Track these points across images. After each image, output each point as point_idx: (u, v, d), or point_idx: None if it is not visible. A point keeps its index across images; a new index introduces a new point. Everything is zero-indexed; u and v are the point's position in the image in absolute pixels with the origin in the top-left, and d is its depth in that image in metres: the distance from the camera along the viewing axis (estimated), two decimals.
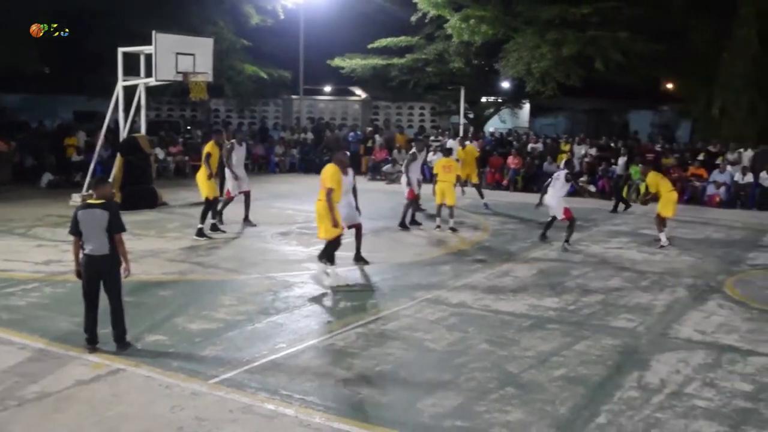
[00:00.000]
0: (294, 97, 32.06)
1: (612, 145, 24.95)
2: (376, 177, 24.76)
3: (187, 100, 26.69)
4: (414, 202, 15.14)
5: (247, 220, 14.68)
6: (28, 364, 6.90)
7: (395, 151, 24.86)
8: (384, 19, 28.94)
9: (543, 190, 13.60)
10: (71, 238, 7.26)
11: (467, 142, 19.51)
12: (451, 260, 12.10)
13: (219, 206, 14.35)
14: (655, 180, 13.74)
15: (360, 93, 34.26)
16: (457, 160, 16.87)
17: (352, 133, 28.69)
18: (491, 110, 32.00)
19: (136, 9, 22.60)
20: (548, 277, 10.99)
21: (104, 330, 7.30)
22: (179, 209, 16.89)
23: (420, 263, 11.79)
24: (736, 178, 20.16)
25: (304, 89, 31.11)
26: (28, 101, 30.20)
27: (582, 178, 21.40)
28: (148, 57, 16.30)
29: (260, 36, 28.31)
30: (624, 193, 19.07)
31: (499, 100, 31.93)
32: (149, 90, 18.36)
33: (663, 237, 13.51)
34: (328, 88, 35.11)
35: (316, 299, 9.55)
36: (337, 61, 29.07)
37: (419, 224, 15.17)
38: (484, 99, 31.47)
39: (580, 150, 23.74)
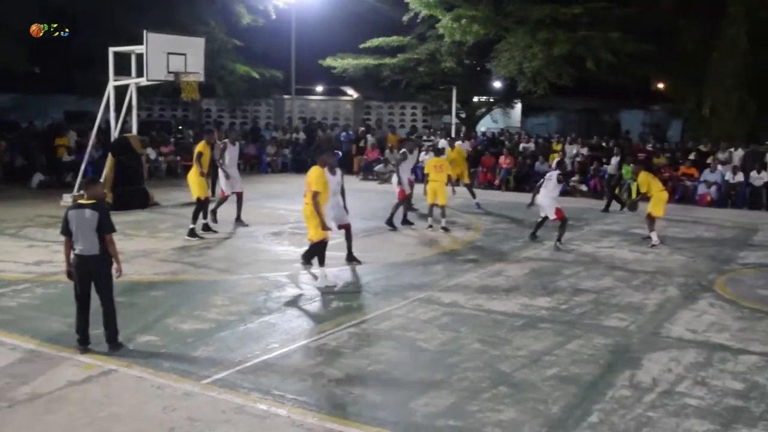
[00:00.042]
0: (286, 96, 32.03)
1: (603, 144, 25.04)
2: (368, 177, 24.77)
3: (178, 100, 26.67)
4: (405, 201, 15.15)
5: (239, 221, 14.67)
6: (19, 365, 6.87)
7: (387, 151, 24.84)
8: (376, 19, 28.96)
9: (535, 190, 13.63)
10: (62, 238, 7.25)
11: (457, 143, 19.54)
12: (443, 260, 12.11)
13: (213, 206, 14.36)
14: (646, 180, 13.81)
15: (352, 93, 34.26)
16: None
17: (344, 133, 28.69)
18: (483, 110, 32.07)
19: (127, 9, 22.56)
20: (540, 276, 11.01)
21: (96, 331, 7.28)
22: (171, 209, 16.84)
23: (412, 263, 11.79)
24: (726, 178, 20.24)
25: (296, 89, 31.08)
26: (19, 101, 30.07)
27: (573, 178, 21.48)
28: (140, 57, 16.25)
29: (252, 36, 28.28)
30: (617, 193, 19.13)
31: (491, 100, 32.02)
32: (140, 90, 18.30)
33: (654, 236, 13.56)
34: (319, 88, 35.11)
35: (309, 299, 9.55)
36: (329, 61, 29.07)
37: (411, 224, 15.18)
38: (475, 99, 31.53)
39: (572, 150, 23.81)
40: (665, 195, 14.06)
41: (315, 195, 9.77)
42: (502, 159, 23.39)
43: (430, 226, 14.77)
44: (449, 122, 27.28)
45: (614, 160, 20.18)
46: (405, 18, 26.92)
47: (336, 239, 11.21)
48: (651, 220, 13.66)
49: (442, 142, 20.83)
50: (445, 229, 14.65)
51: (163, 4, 23.55)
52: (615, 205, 18.26)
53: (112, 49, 16.73)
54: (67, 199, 16.53)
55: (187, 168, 15.99)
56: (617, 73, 25.46)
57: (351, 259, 11.48)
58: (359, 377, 6.75)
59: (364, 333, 8.10)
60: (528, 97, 28.23)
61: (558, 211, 13.19)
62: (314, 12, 29.22)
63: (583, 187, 21.60)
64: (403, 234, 14.42)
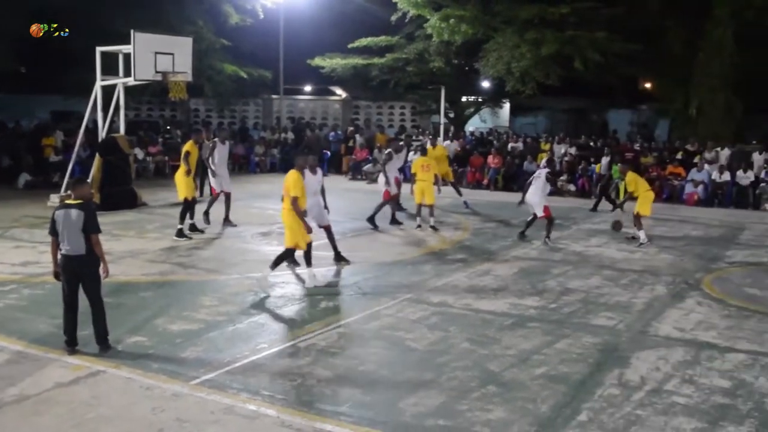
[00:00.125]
0: (274, 96, 31.97)
1: (591, 144, 25.14)
2: (357, 177, 24.77)
3: (166, 100, 26.54)
4: (391, 202, 15.13)
5: (227, 221, 14.63)
6: (6, 367, 6.82)
7: (376, 151, 24.83)
8: (364, 19, 28.93)
9: (525, 188, 13.72)
10: (49, 239, 7.21)
11: (439, 141, 19.61)
12: (432, 260, 12.12)
13: (206, 207, 14.36)
14: (633, 179, 13.91)
15: (340, 92, 34.23)
16: None
17: (332, 133, 28.68)
18: (471, 110, 32.12)
19: (115, 8, 22.42)
20: (529, 275, 11.04)
21: (84, 332, 7.25)
22: (159, 210, 16.78)
23: (401, 263, 11.80)
24: (713, 177, 20.37)
25: (285, 89, 31.02)
26: (4, 101, 29.79)
27: (562, 177, 21.56)
28: (127, 56, 16.18)
29: (240, 35, 28.19)
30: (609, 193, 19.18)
31: (480, 100, 32.06)
32: (128, 89, 18.24)
33: (642, 235, 13.64)
34: (308, 88, 35.05)
35: (297, 299, 9.54)
36: (318, 61, 29.03)
37: (400, 224, 15.18)
38: (464, 98, 31.57)
39: (560, 149, 23.89)
40: (652, 195, 14.16)
41: (294, 200, 9.73)
42: (490, 159, 23.43)
43: (419, 226, 14.79)
44: (438, 122, 27.30)
45: (604, 160, 20.26)
46: (393, 18, 26.92)
47: (321, 240, 11.22)
48: (638, 219, 13.73)
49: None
50: (434, 229, 14.67)
51: (150, 4, 23.44)
52: (604, 205, 18.28)
53: (99, 49, 16.65)
54: (54, 199, 16.44)
55: (175, 168, 15.95)
56: (605, 72, 25.58)
57: (339, 258, 11.47)
58: (348, 377, 6.75)
59: (354, 333, 8.11)
60: (516, 96, 28.30)
61: (546, 209, 13.30)
62: (302, 12, 29.16)
63: (571, 187, 21.68)
64: (391, 234, 14.43)
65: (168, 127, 29.56)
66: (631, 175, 13.99)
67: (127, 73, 16.35)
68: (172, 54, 16.33)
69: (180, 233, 13.21)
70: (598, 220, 16.70)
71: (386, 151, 15.70)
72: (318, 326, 8.26)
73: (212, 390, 6.32)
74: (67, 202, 7.20)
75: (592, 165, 21.75)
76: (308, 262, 10.12)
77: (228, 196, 14.65)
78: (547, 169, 13.66)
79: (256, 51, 29.38)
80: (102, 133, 17.25)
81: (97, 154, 17.01)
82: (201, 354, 7.27)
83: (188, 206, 13.47)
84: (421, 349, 7.57)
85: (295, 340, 7.76)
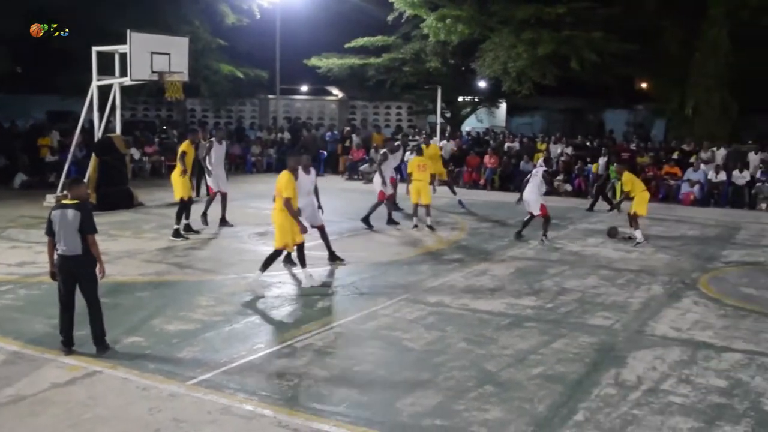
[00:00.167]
0: (270, 96, 31.96)
1: (588, 144, 25.16)
2: (354, 177, 24.76)
3: (162, 100, 26.54)
4: (387, 202, 15.12)
5: (224, 221, 14.61)
6: (3, 368, 6.81)
7: (372, 151, 24.83)
8: (360, 19, 28.96)
9: (522, 186, 13.77)
10: (45, 239, 7.20)
11: (432, 140, 19.62)
12: (428, 259, 12.13)
13: (204, 208, 14.35)
14: (630, 179, 13.95)
15: (337, 92, 34.23)
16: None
17: (329, 133, 28.68)
18: (468, 110, 32.15)
19: (111, 8, 22.40)
20: (525, 275, 11.04)
21: (80, 332, 7.24)
22: (155, 210, 16.76)
23: (398, 263, 11.80)
24: (709, 177, 20.40)
25: (281, 89, 31.02)
26: (0, 101, 29.80)
27: (558, 177, 21.59)
28: (123, 56, 16.14)
29: (236, 35, 28.19)
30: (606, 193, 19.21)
31: (476, 100, 32.08)
32: (124, 89, 18.21)
33: (638, 234, 13.66)
34: (304, 88, 35.05)
35: (294, 299, 9.54)
36: (314, 61, 29.03)
37: (397, 224, 15.18)
38: (460, 98, 31.59)
39: (557, 149, 23.93)
40: (647, 195, 14.20)
41: (287, 201, 9.70)
42: (486, 158, 23.44)
43: (416, 226, 14.79)
44: (434, 122, 27.32)
45: (602, 160, 20.28)
46: (390, 18, 26.92)
47: (317, 240, 11.22)
48: (635, 219, 13.76)
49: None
50: (431, 228, 14.68)
51: (146, 4, 23.42)
52: (600, 205, 18.30)
53: (95, 49, 16.63)
54: (50, 199, 16.42)
55: (172, 168, 15.92)
56: (601, 72, 25.62)
57: (334, 258, 11.46)
58: (345, 377, 6.74)
59: (350, 333, 8.10)
60: (513, 96, 28.33)
61: (542, 207, 13.36)
62: (299, 11, 29.17)
63: (568, 187, 21.69)
64: (388, 234, 14.42)
65: (164, 127, 29.57)
66: (627, 175, 14.02)
67: (124, 73, 16.31)
68: (169, 54, 16.30)
69: (176, 233, 13.20)
70: (594, 220, 16.72)
71: (381, 152, 15.69)
72: (315, 326, 8.26)
73: (209, 390, 6.31)
74: (64, 202, 7.19)
75: (589, 165, 21.77)
76: (302, 263, 10.10)
77: (224, 197, 14.62)
78: (544, 168, 13.71)
79: (252, 51, 29.39)
80: (98, 133, 17.22)
81: (93, 154, 16.99)
82: (198, 354, 7.26)
83: (184, 206, 13.46)
84: (418, 349, 7.57)
85: (292, 340, 7.75)
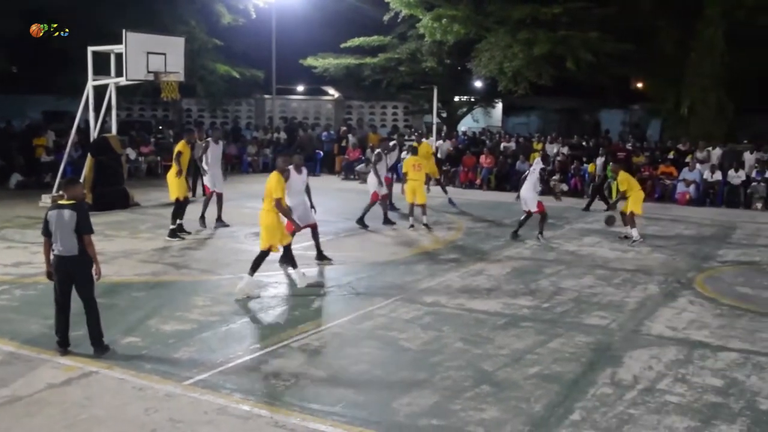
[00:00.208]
0: (267, 96, 31.91)
1: (584, 144, 25.18)
2: (350, 176, 24.76)
3: (158, 100, 26.51)
4: (380, 202, 15.11)
5: (219, 221, 14.59)
6: None
7: (368, 151, 24.82)
8: (357, 19, 28.95)
9: (521, 183, 13.86)
10: (41, 239, 7.18)
11: (424, 140, 19.65)
12: (425, 259, 12.13)
13: (201, 209, 14.34)
14: (626, 179, 13.98)
15: (333, 92, 34.21)
16: None
17: (325, 133, 28.67)
18: (464, 109, 32.16)
19: (107, 8, 22.36)
20: (522, 275, 11.05)
21: (76, 332, 7.22)
22: (151, 210, 16.74)
23: (394, 262, 11.80)
24: (705, 176, 20.45)
25: (277, 89, 30.97)
26: None
27: (555, 177, 21.62)
28: (119, 56, 16.12)
29: (232, 35, 28.14)
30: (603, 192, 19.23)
31: (472, 100, 32.10)
32: (120, 89, 18.16)
33: (635, 233, 13.69)
34: (300, 88, 35.03)
35: (290, 299, 9.54)
36: (310, 61, 29.02)
37: (393, 224, 15.18)
38: (457, 98, 31.61)
39: (553, 149, 23.96)
40: (642, 194, 14.25)
41: (278, 202, 9.67)
42: (482, 158, 23.46)
43: (412, 226, 14.79)
44: (430, 122, 27.32)
45: (599, 160, 20.30)
46: (386, 17, 26.92)
47: (310, 240, 11.23)
48: (631, 218, 13.79)
49: (425, 142, 20.85)
50: (427, 227, 14.69)
51: (142, 4, 23.39)
52: (597, 205, 18.31)
53: (91, 49, 16.60)
54: (45, 199, 16.39)
55: (168, 168, 15.92)
56: (597, 72, 25.65)
57: (321, 258, 11.44)
58: (342, 377, 6.74)
59: (347, 333, 8.10)
60: (509, 96, 28.35)
61: (539, 204, 13.40)
62: (295, 11, 29.14)
63: (564, 186, 21.72)
64: (384, 234, 14.42)
65: (160, 127, 29.51)
66: (623, 175, 14.07)
67: (119, 73, 16.28)
68: (164, 54, 16.28)
69: (172, 233, 13.18)
70: (590, 220, 16.75)
71: (376, 152, 15.70)
72: (311, 326, 8.26)
73: (205, 390, 6.31)
74: (60, 202, 7.17)
75: (585, 165, 21.80)
76: (292, 264, 10.06)
77: (219, 197, 14.60)
78: (541, 165, 13.80)
79: (248, 51, 29.35)
80: (94, 133, 17.19)
81: (88, 154, 16.95)
82: (194, 354, 7.25)
83: (180, 206, 13.44)
84: (414, 349, 7.57)
85: (289, 341, 7.75)
